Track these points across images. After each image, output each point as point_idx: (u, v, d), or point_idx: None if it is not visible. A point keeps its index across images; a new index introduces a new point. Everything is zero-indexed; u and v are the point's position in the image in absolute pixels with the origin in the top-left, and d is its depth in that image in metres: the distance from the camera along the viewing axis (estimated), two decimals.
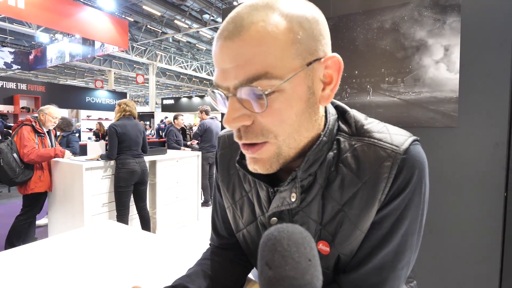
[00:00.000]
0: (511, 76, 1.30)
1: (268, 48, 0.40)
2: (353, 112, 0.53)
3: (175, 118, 5.14)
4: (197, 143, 4.89)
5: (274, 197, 0.53)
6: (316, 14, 0.45)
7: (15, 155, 2.66)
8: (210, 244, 0.74)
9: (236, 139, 0.46)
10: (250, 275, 0.72)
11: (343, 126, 0.52)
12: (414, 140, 0.48)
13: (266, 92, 0.40)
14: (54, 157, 2.87)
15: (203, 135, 4.55)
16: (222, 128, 4.78)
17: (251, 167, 0.48)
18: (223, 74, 0.42)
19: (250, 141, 0.44)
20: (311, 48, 0.43)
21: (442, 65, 1.37)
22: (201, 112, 4.74)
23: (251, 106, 0.42)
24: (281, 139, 0.44)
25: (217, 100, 0.46)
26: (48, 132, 3.00)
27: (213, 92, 0.45)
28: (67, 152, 3.00)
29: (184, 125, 5.87)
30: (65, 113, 10.16)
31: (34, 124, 2.81)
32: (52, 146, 3.01)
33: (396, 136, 0.48)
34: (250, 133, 0.44)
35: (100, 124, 8.68)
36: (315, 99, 0.45)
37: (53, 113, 2.94)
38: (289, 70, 0.41)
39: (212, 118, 4.72)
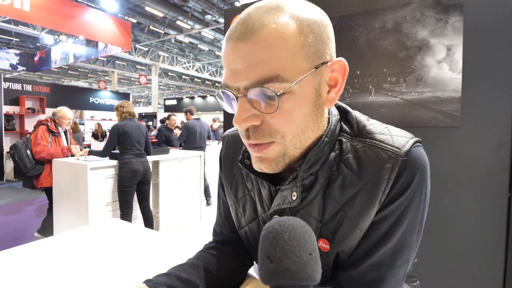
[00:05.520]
0: None
1: (279, 50, 0.40)
2: (355, 113, 0.54)
3: (168, 118, 4.92)
4: (180, 145, 4.70)
5: (276, 195, 0.54)
6: (324, 18, 0.45)
7: (28, 151, 2.88)
8: (212, 239, 0.75)
9: (243, 139, 0.47)
10: (252, 272, 0.73)
11: (345, 127, 0.52)
12: (416, 142, 0.48)
13: (278, 93, 0.40)
14: (63, 156, 3.05)
15: (187, 136, 4.38)
16: (206, 128, 4.64)
17: (257, 166, 0.49)
18: (234, 75, 0.43)
19: (258, 141, 0.45)
20: (319, 51, 0.43)
21: (444, 65, 1.37)
22: (186, 112, 4.60)
23: (260, 107, 0.43)
24: (288, 140, 0.45)
25: (225, 101, 0.47)
26: (65, 131, 3.23)
27: (222, 92, 0.46)
28: (73, 147, 3.11)
29: (178, 125, 5.75)
30: None
31: (49, 124, 3.04)
32: (67, 144, 3.23)
33: (398, 138, 0.48)
34: (258, 133, 0.45)
35: (98, 125, 8.72)
36: (321, 101, 0.46)
37: (66, 115, 3.14)
38: (299, 72, 0.42)
39: (196, 119, 4.54)
